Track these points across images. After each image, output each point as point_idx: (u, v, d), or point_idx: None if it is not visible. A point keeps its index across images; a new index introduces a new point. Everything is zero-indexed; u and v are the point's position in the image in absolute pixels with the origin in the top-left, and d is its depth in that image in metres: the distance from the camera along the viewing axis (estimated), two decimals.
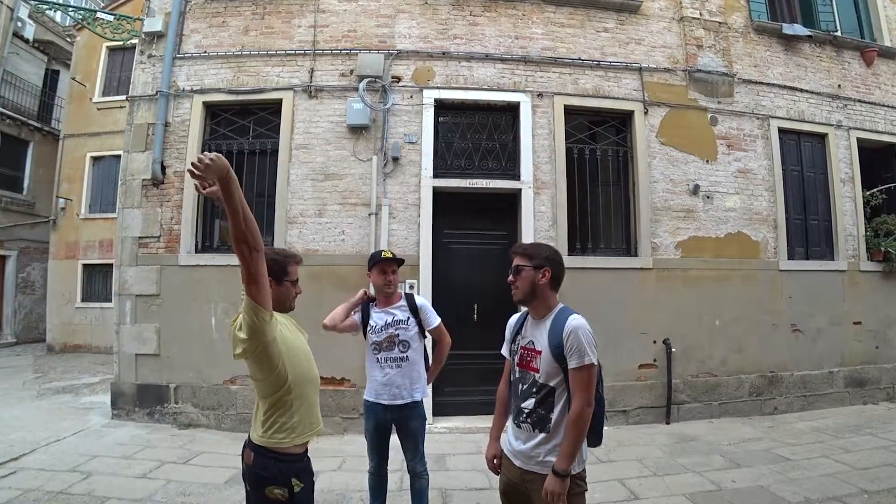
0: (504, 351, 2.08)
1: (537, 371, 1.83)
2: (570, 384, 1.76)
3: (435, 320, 2.87)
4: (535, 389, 1.83)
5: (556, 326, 1.81)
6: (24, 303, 12.28)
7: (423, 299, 2.97)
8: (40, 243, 12.10)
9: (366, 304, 2.87)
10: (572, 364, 1.74)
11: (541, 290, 1.87)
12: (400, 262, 2.85)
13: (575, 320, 1.79)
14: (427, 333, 2.88)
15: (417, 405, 2.78)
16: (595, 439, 1.85)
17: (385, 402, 2.72)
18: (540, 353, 1.83)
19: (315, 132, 5.41)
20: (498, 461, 2.01)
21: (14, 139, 12.17)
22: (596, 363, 1.75)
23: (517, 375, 1.93)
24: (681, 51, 5.98)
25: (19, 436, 4.58)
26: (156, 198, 5.39)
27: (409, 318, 2.80)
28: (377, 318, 2.80)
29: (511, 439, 1.92)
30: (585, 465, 1.83)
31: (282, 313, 1.83)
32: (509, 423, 1.98)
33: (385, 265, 2.77)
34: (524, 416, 1.85)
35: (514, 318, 2.06)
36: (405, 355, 2.75)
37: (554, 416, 1.79)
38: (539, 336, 1.86)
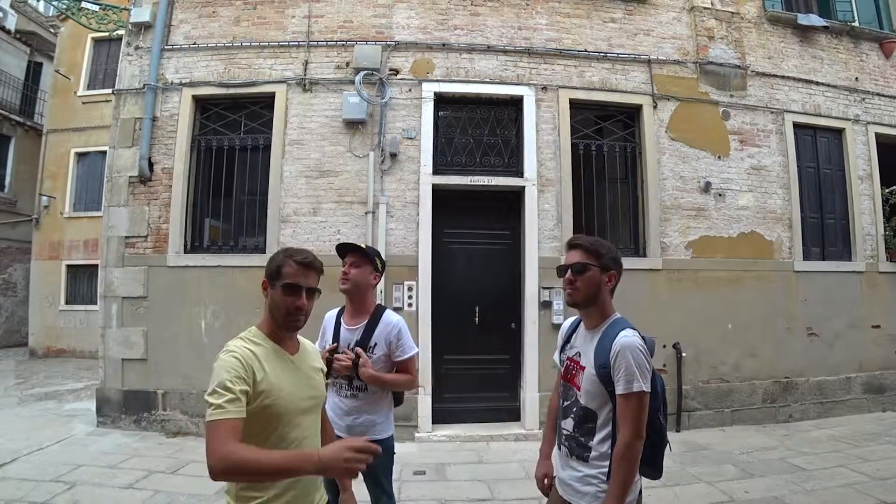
0: (556, 357, 1.86)
1: (579, 389, 1.62)
2: (616, 412, 1.53)
3: (408, 351, 2.21)
4: (574, 409, 1.63)
5: (604, 342, 1.58)
6: (6, 305, 11.99)
7: (399, 319, 2.26)
8: (22, 243, 11.76)
9: (338, 316, 2.34)
10: (619, 390, 1.50)
11: (603, 295, 1.64)
12: (357, 248, 2.25)
13: (625, 337, 1.53)
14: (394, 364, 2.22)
15: (383, 441, 2.14)
16: (654, 471, 1.64)
17: (340, 433, 2.14)
18: (584, 368, 1.61)
19: (309, 127, 5.25)
20: (549, 480, 1.79)
21: None
22: (647, 390, 1.50)
23: (562, 388, 1.73)
24: (691, 42, 5.79)
25: (0, 444, 4.45)
26: (143, 195, 5.23)
27: (374, 342, 2.20)
28: (344, 333, 2.26)
29: (556, 460, 1.73)
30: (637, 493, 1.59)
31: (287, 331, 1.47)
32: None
33: (342, 256, 2.24)
34: (563, 437, 1.67)
35: (567, 322, 1.85)
36: (363, 383, 2.15)
37: (593, 444, 1.57)
38: (586, 349, 1.64)
